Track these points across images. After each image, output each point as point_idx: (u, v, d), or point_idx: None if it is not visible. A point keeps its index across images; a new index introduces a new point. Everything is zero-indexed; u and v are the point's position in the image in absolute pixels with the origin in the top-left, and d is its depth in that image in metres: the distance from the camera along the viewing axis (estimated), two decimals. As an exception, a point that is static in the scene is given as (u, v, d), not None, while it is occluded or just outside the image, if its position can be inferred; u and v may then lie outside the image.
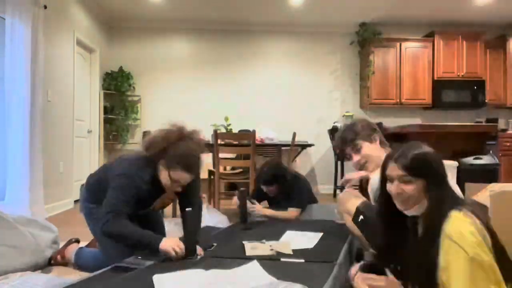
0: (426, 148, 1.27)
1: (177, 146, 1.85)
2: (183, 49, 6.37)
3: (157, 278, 1.40)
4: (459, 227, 1.11)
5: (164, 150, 1.84)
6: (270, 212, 2.92)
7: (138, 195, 1.86)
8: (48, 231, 2.33)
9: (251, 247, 1.86)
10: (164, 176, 1.88)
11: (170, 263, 1.65)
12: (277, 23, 6.28)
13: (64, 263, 2.22)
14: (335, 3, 5.50)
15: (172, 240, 1.74)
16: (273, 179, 2.91)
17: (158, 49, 6.32)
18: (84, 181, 2.21)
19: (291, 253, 1.80)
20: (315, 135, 6.27)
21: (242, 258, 1.68)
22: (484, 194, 2.78)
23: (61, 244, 2.35)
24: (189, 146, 1.86)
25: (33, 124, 3.66)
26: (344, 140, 2.07)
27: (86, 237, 2.52)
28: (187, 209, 1.78)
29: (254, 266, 1.54)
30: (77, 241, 2.35)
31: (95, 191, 2.05)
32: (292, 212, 2.91)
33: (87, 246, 2.37)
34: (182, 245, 1.72)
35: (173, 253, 1.68)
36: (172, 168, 1.84)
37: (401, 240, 1.31)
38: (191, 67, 6.35)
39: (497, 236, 1.14)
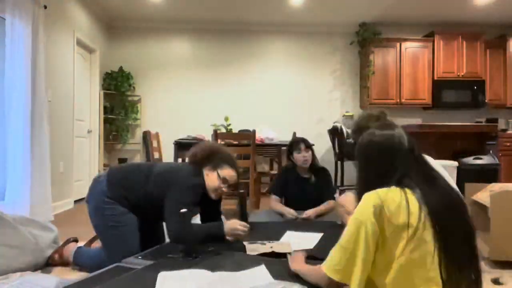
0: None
1: (220, 149, 2.15)
2: (183, 49, 6.37)
3: (161, 276, 1.39)
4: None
5: (209, 156, 2.07)
6: (314, 211, 2.75)
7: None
8: (48, 231, 2.33)
9: (251, 249, 1.87)
10: (212, 178, 2.04)
11: (170, 263, 1.65)
12: (277, 23, 6.29)
13: (63, 263, 2.22)
14: (335, 3, 5.50)
15: (232, 223, 1.96)
16: (311, 145, 2.92)
17: (158, 49, 6.32)
18: (84, 181, 2.21)
19: (291, 252, 1.80)
20: (315, 135, 6.27)
21: (240, 259, 1.68)
22: (484, 194, 2.78)
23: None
24: (228, 151, 2.16)
25: (33, 124, 3.66)
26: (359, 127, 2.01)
27: (85, 236, 2.52)
28: (182, 210, 1.78)
29: (262, 270, 1.52)
30: (75, 240, 2.35)
31: (120, 186, 2.00)
32: (331, 202, 2.83)
33: (85, 245, 2.37)
34: (243, 223, 1.97)
35: (241, 232, 1.94)
36: (220, 167, 2.05)
37: None
38: (191, 67, 6.35)
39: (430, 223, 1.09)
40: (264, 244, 1.94)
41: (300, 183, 2.91)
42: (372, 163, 1.25)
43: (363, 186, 1.22)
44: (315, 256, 1.62)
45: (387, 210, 1.09)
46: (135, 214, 2.01)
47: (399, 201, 1.10)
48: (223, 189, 2.06)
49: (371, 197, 1.13)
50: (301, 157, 2.85)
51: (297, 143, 2.89)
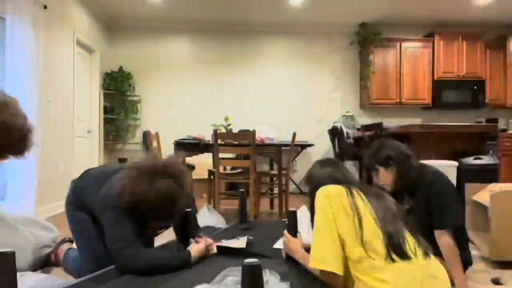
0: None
1: (147, 200, 1.53)
2: (183, 49, 6.37)
3: None
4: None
5: (136, 206, 1.55)
6: None
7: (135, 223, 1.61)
8: (48, 231, 2.32)
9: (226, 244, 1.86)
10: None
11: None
12: (277, 23, 6.29)
13: (57, 263, 2.18)
14: (335, 3, 5.50)
15: (197, 246, 1.65)
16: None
17: (158, 49, 6.32)
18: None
19: (244, 247, 1.80)
20: (315, 135, 6.28)
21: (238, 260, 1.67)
22: (484, 194, 2.78)
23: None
24: (162, 196, 1.53)
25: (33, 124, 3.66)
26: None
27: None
28: (187, 209, 1.78)
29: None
30: (70, 240, 2.32)
31: (79, 195, 2.02)
32: None
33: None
34: (210, 241, 1.72)
35: (210, 253, 1.70)
36: (149, 222, 1.64)
37: None
38: (191, 67, 6.35)
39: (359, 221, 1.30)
40: (238, 239, 1.93)
41: None
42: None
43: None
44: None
45: (336, 196, 1.34)
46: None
47: (341, 190, 1.37)
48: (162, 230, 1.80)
49: (322, 192, 1.37)
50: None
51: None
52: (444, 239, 1.85)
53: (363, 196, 1.35)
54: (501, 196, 2.50)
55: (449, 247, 1.85)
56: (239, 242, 1.88)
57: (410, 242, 1.26)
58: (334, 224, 1.29)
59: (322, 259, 1.27)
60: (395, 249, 1.22)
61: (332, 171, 1.53)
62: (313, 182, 1.53)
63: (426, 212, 1.92)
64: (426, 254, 1.25)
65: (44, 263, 2.21)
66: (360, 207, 1.30)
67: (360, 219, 1.27)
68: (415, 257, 1.22)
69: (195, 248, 1.63)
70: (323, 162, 1.60)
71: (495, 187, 2.74)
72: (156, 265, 1.50)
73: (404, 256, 1.21)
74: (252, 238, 1.98)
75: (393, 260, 1.20)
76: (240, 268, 1.14)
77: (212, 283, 1.30)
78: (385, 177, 2.00)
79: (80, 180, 2.09)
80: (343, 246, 1.27)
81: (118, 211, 1.57)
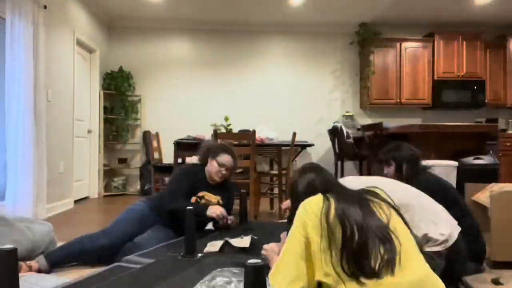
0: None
1: (216, 143, 2.94)
2: (183, 49, 6.37)
3: None
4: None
5: (208, 151, 2.60)
6: None
7: (191, 183, 2.48)
8: (42, 225, 2.35)
9: (211, 245, 1.91)
10: (213, 164, 2.52)
11: (169, 263, 1.65)
12: (277, 23, 6.29)
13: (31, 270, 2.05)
14: (335, 3, 5.50)
15: (216, 208, 2.32)
16: None
17: (158, 49, 6.32)
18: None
19: (247, 246, 1.84)
20: (315, 135, 6.28)
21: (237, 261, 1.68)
22: (484, 194, 2.78)
23: (59, 243, 2.36)
24: (224, 143, 2.79)
25: (33, 124, 3.66)
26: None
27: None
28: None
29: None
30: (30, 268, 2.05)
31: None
32: None
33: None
34: (225, 212, 2.33)
35: (218, 218, 2.29)
36: (217, 155, 2.52)
37: None
38: (191, 67, 6.35)
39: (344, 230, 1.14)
40: (224, 240, 1.94)
41: None
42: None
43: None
44: None
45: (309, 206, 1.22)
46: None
47: (318, 198, 1.24)
48: (223, 172, 2.51)
49: (300, 211, 1.23)
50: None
51: None
52: None
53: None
54: (502, 197, 2.50)
55: None
56: (243, 241, 1.88)
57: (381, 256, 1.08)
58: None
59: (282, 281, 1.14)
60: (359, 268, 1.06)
61: (313, 179, 1.45)
62: (295, 193, 1.46)
63: None
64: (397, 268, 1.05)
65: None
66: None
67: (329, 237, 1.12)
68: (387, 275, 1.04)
69: (214, 207, 2.32)
70: (303, 170, 1.52)
71: (495, 187, 2.75)
72: (180, 208, 2.18)
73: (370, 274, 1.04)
74: (256, 238, 1.99)
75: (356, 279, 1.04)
76: (230, 269, 1.15)
77: (201, 283, 1.30)
78: (395, 173, 2.32)
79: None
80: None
81: (183, 171, 2.55)
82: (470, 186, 3.01)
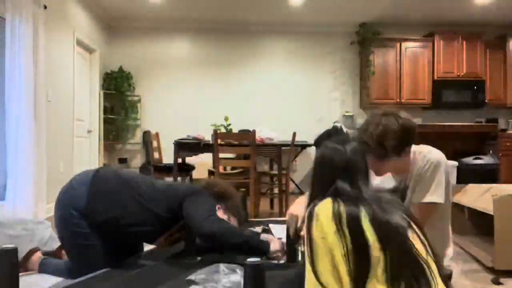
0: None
1: (235, 195, 2.05)
2: (183, 49, 6.37)
3: None
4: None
5: (224, 195, 1.98)
6: None
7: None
8: (41, 224, 2.35)
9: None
10: (221, 216, 1.89)
11: (169, 263, 1.65)
12: (277, 23, 6.28)
13: (28, 269, 2.06)
14: (335, 3, 5.50)
15: (278, 243, 1.77)
16: None
17: (158, 49, 6.32)
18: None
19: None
20: (315, 135, 6.27)
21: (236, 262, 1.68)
22: (484, 198, 2.68)
23: (58, 243, 2.34)
24: (239, 199, 2.09)
25: (33, 124, 3.66)
26: None
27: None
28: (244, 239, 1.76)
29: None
30: (37, 249, 2.17)
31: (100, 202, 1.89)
32: None
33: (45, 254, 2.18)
34: (283, 245, 1.76)
35: (280, 254, 1.73)
36: (230, 213, 1.94)
37: None
38: (191, 67, 6.35)
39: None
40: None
41: None
42: (315, 175, 1.25)
43: (309, 196, 1.23)
44: None
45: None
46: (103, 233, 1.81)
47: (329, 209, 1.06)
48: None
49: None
50: None
51: None
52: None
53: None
54: (504, 201, 2.34)
55: None
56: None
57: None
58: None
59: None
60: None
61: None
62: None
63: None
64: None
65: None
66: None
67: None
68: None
69: (275, 243, 1.76)
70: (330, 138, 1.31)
71: (497, 190, 2.52)
72: (233, 233, 1.74)
73: None
74: (267, 228, 2.00)
75: None
76: (228, 265, 1.15)
77: (198, 280, 1.31)
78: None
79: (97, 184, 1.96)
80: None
81: (204, 195, 1.90)
82: (470, 186, 2.98)
